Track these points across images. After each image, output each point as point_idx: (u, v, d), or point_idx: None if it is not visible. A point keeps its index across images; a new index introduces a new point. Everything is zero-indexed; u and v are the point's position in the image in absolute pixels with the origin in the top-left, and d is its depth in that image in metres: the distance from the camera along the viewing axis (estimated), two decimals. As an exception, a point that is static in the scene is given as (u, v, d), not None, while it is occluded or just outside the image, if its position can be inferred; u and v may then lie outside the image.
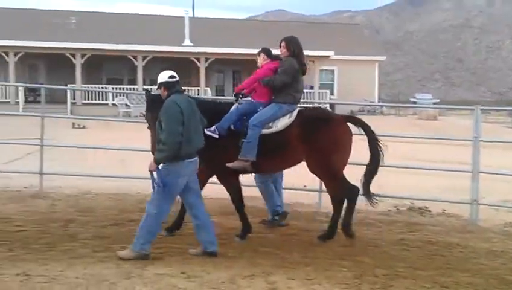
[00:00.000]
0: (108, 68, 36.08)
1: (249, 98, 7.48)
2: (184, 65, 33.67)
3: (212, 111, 7.15)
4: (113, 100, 31.60)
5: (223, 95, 33.63)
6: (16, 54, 31.49)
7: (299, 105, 7.51)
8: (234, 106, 7.35)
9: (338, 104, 28.70)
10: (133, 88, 32.53)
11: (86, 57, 32.07)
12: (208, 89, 33.64)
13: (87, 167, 11.66)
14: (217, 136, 6.99)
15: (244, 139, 7.07)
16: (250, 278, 5.68)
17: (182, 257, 6.35)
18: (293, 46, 7.38)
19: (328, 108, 10.52)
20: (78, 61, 32.07)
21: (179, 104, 6.21)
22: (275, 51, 7.68)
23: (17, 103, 30.53)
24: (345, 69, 38.52)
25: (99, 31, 35.47)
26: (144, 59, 32.69)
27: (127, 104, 30.65)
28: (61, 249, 6.47)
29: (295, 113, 7.30)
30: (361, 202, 7.44)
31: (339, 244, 7.08)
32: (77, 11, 40.29)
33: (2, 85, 31.55)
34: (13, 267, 5.68)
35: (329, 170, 7.14)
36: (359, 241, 7.28)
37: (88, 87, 31.96)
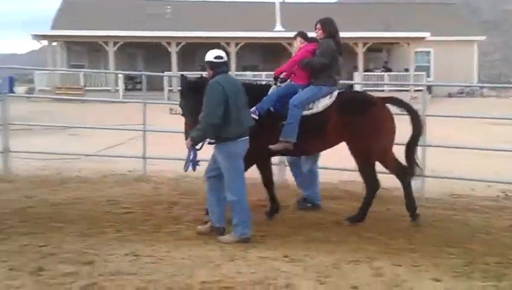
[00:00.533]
0: (201, 55, 36.40)
1: (288, 81, 7.44)
2: (276, 50, 33.71)
3: (251, 92, 6.99)
4: (207, 86, 32.10)
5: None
6: (115, 44, 32.72)
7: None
8: (273, 88, 7.37)
9: (436, 86, 27.79)
10: (227, 74, 32.93)
11: (180, 45, 32.84)
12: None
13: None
14: (256, 117, 6.94)
15: (284, 121, 7.09)
16: (354, 263, 5.58)
17: (284, 240, 6.35)
18: (329, 27, 7.36)
19: (425, 90, 9.93)
20: (173, 50, 32.90)
21: (222, 85, 6.20)
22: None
23: (117, 91, 31.79)
24: (442, 51, 37.20)
25: (193, 19, 36.16)
26: (236, 45, 33.02)
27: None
28: (167, 231, 6.64)
29: (335, 94, 7.29)
30: (464, 187, 7.14)
31: (445, 231, 6.83)
32: (173, 1, 41.19)
33: (105, 73, 32.79)
34: (122, 248, 5.87)
35: (363, 153, 7.12)
36: (466, 227, 6.99)
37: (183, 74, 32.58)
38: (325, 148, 7.60)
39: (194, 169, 6.42)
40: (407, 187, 7.28)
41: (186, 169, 6.43)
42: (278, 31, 34.02)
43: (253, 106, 6.96)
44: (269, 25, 34.39)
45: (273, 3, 35.98)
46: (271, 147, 7.11)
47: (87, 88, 31.62)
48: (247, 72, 32.84)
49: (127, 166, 10.37)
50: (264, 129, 6.97)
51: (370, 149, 7.08)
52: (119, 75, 31.70)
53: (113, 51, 32.72)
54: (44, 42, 34.20)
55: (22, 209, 7.47)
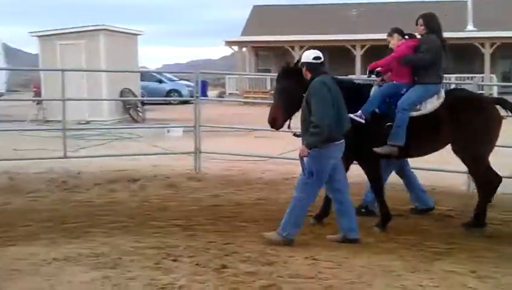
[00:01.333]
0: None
1: (385, 78, 7.09)
2: (467, 51, 31.91)
3: (352, 92, 6.82)
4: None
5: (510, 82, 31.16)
6: (301, 48, 33.39)
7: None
8: (375, 88, 7.06)
9: None
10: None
11: (365, 48, 32.54)
12: (494, 76, 31.41)
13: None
14: (363, 121, 6.69)
15: (389, 123, 6.80)
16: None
17: (472, 254, 5.92)
18: (432, 22, 7.05)
19: None
20: (357, 53, 32.71)
21: (328, 85, 6.03)
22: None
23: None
24: None
25: (379, 21, 35.54)
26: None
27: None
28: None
29: (443, 94, 7.00)
30: None
31: None
32: (360, 3, 40.96)
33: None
34: (302, 251, 5.89)
35: (476, 156, 6.82)
36: None
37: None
38: (431, 152, 7.28)
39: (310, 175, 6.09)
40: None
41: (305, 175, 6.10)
42: (470, 31, 32.22)
43: (355, 107, 6.69)
44: (460, 24, 32.68)
45: (465, 1, 34.12)
46: (376, 149, 6.83)
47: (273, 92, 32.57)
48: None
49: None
50: (369, 132, 6.75)
51: (482, 151, 6.82)
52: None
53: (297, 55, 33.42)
54: (235, 48, 36.01)
55: (209, 207, 7.87)
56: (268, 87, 33.16)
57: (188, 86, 31.79)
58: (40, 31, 21.18)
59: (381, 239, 6.49)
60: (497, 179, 6.93)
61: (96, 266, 5.24)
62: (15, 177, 9.71)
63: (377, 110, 6.88)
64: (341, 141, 6.18)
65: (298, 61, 6.42)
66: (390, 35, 7.27)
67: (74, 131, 14.35)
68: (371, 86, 7.25)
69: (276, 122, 6.54)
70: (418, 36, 7.21)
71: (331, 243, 6.27)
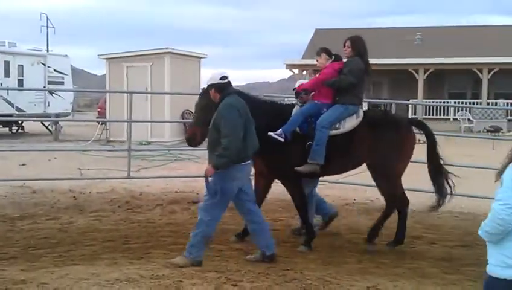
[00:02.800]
0: (450, 82, 35.31)
1: (306, 98, 7.17)
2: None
3: (274, 112, 7.05)
4: (454, 115, 30.73)
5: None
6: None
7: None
8: (296, 108, 7.16)
9: None
10: (477, 102, 31.27)
11: (428, 72, 31.99)
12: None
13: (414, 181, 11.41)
14: (283, 140, 6.76)
15: (310, 142, 6.90)
16: None
17: None
18: (359, 45, 7.20)
19: None
20: (420, 77, 32.18)
21: (237, 106, 6.04)
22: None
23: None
24: None
25: (444, 45, 34.93)
26: (489, 72, 31.08)
27: (469, 119, 29.45)
28: (408, 266, 6.39)
29: (361, 113, 7.15)
30: None
31: None
32: (424, 27, 40.38)
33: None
34: (364, 280, 5.75)
35: (390, 175, 7.02)
36: None
37: (429, 102, 31.72)
38: (349, 169, 7.55)
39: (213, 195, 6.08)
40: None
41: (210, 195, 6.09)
42: None
43: (276, 127, 6.80)
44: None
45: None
46: (298, 169, 6.89)
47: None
48: (500, 100, 30.73)
49: (370, 195, 10.26)
50: (292, 151, 6.86)
51: (395, 169, 7.02)
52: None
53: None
54: (295, 71, 36.09)
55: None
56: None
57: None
58: (108, 54, 21.88)
59: (446, 270, 6.27)
60: (407, 201, 7.24)
61: (157, 288, 5.26)
62: (78, 196, 9.96)
63: (297, 130, 6.98)
64: (247, 163, 6.21)
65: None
66: (318, 54, 7.39)
67: (137, 152, 14.64)
68: (293, 105, 7.35)
69: (195, 140, 6.65)
70: (344, 59, 7.40)
71: (391, 271, 6.12)
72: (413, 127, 7.40)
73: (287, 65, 35.84)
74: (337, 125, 7.06)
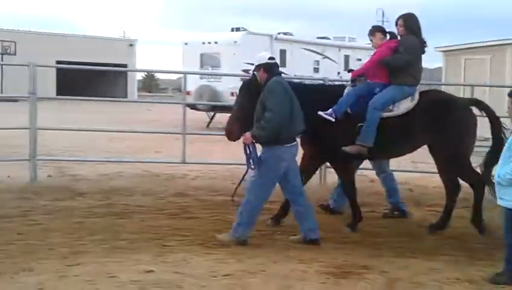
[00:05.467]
0: None
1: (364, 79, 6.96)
2: None
3: (325, 93, 6.99)
4: None
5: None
6: None
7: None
8: (348, 88, 6.99)
9: None
10: None
11: None
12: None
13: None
14: (333, 120, 6.64)
15: (361, 123, 6.71)
16: None
17: None
18: (412, 23, 7.01)
19: None
20: None
21: (285, 85, 6.13)
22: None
23: None
24: None
25: None
26: None
27: None
28: None
29: (417, 95, 6.95)
30: None
31: None
32: None
33: None
34: None
35: (456, 157, 6.79)
36: None
37: None
38: (403, 154, 7.41)
39: (253, 167, 6.17)
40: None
41: (251, 167, 6.20)
42: None
43: (329, 108, 6.65)
44: None
45: None
46: (345, 148, 6.74)
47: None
48: None
49: None
50: (342, 132, 6.71)
51: (460, 151, 6.76)
52: None
53: None
54: None
55: None
56: None
57: None
58: (445, 46, 21.49)
59: None
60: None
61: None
62: (414, 189, 9.94)
63: (349, 110, 6.79)
64: (293, 143, 6.24)
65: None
66: (372, 34, 7.16)
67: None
68: (344, 86, 7.20)
69: (232, 134, 6.45)
70: (399, 37, 7.15)
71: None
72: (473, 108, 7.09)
73: None
74: (391, 107, 6.85)
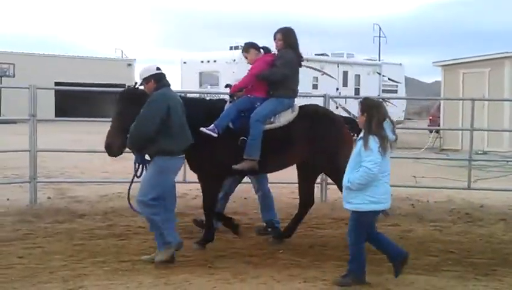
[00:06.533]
0: None
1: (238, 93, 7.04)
2: None
3: (205, 109, 6.93)
4: None
5: None
6: None
7: None
8: (228, 104, 6.99)
9: None
10: None
11: None
12: None
13: None
14: (216, 135, 6.59)
15: (243, 138, 6.73)
16: None
17: None
18: (290, 37, 7.11)
19: None
20: None
21: (168, 98, 6.13)
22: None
23: None
24: None
25: None
26: None
27: None
28: None
29: (297, 108, 7.10)
30: None
31: None
32: None
33: None
34: None
35: (337, 167, 6.70)
36: None
37: None
38: (288, 165, 7.27)
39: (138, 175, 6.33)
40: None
41: (136, 175, 6.37)
42: None
43: (209, 124, 6.61)
44: None
45: None
46: (235, 167, 6.72)
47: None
48: None
49: None
50: (225, 147, 6.69)
51: (340, 161, 6.56)
52: None
53: None
54: None
55: None
56: None
57: None
58: (443, 61, 21.57)
59: None
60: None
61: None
62: (416, 204, 9.92)
63: (231, 125, 6.77)
64: (181, 157, 6.32)
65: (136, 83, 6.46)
66: (246, 51, 7.18)
67: (473, 161, 14.01)
68: (224, 101, 7.18)
69: (111, 149, 6.40)
70: (274, 51, 7.25)
71: None
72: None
73: None
74: (272, 119, 6.91)
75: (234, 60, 21.96)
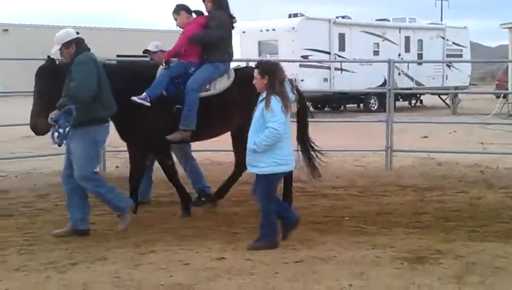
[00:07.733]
0: None
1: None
2: None
3: (135, 75, 6.65)
4: None
5: None
6: None
7: None
8: (160, 69, 6.64)
9: None
10: None
11: None
12: None
13: None
14: (149, 104, 6.28)
15: (178, 106, 6.49)
16: None
17: None
18: None
19: None
20: None
21: (95, 61, 5.93)
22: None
23: None
24: None
25: None
26: None
27: None
28: None
29: (232, 73, 6.88)
30: None
31: None
32: None
33: None
34: None
35: None
36: None
37: None
38: (223, 133, 7.16)
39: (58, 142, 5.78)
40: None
41: (56, 142, 5.77)
42: None
43: (140, 92, 6.30)
44: None
45: None
46: (169, 137, 6.53)
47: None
48: None
49: None
50: (158, 116, 6.43)
51: None
52: None
53: None
54: None
55: None
56: None
57: None
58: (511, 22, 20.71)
59: None
60: None
61: None
62: (486, 171, 9.65)
63: (164, 93, 6.51)
64: (106, 124, 6.09)
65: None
66: (177, 13, 6.88)
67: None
68: (156, 66, 6.76)
69: (37, 128, 6.01)
70: (206, 13, 6.94)
71: None
72: None
73: None
74: (207, 86, 6.69)
75: (293, 28, 21.74)
